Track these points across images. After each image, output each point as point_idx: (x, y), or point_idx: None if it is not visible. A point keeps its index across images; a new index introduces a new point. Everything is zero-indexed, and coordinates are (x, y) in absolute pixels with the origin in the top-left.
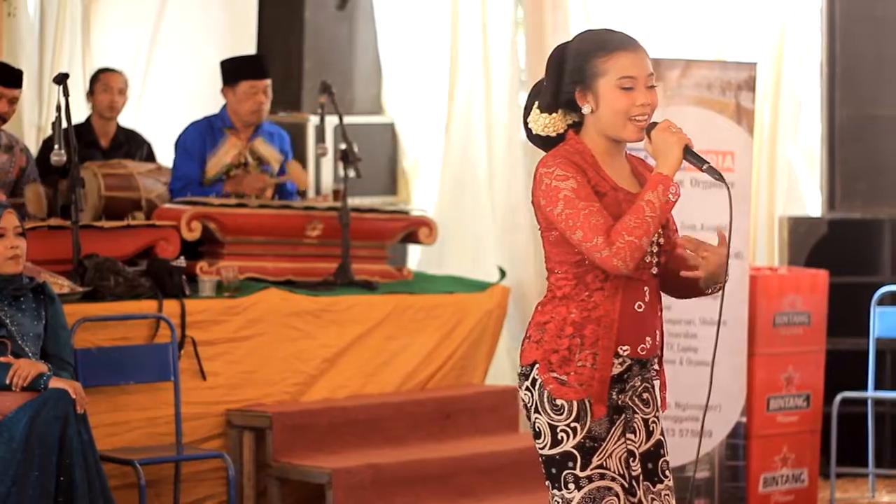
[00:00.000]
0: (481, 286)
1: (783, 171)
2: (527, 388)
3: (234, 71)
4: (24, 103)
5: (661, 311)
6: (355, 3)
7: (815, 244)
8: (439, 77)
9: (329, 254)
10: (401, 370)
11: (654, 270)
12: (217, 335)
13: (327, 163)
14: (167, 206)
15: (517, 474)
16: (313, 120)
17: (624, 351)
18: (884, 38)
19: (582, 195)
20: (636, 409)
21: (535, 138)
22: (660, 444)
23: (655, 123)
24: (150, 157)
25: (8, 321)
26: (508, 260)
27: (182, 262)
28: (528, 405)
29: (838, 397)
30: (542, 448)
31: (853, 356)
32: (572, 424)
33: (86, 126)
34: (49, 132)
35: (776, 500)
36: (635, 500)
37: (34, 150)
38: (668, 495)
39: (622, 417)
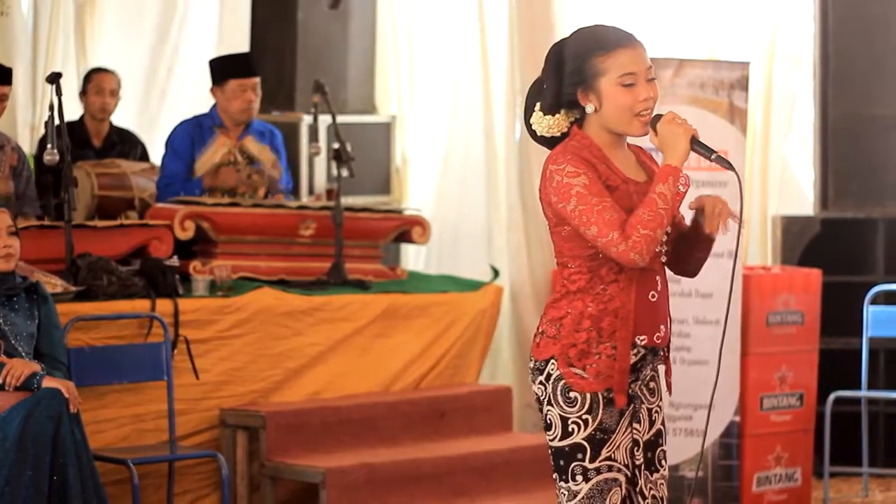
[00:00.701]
0: (475, 285)
1: (776, 171)
2: (540, 383)
3: (223, 70)
4: (18, 103)
5: (669, 298)
6: (348, 2)
7: (809, 243)
8: (439, 77)
9: (322, 253)
10: (394, 369)
11: (664, 259)
12: (210, 334)
13: (320, 162)
14: (160, 205)
15: (511, 474)
16: (306, 119)
17: (641, 341)
18: (876, 38)
19: (594, 191)
20: (643, 398)
21: (539, 139)
22: (659, 434)
23: (660, 116)
24: (144, 156)
25: (1, 321)
26: (505, 259)
27: (175, 261)
28: (542, 399)
29: (831, 396)
30: (552, 440)
31: (846, 355)
32: (584, 416)
33: (79, 125)
34: (42, 131)
35: (770, 499)
36: (636, 489)
37: (28, 149)
38: (662, 484)
39: (631, 408)
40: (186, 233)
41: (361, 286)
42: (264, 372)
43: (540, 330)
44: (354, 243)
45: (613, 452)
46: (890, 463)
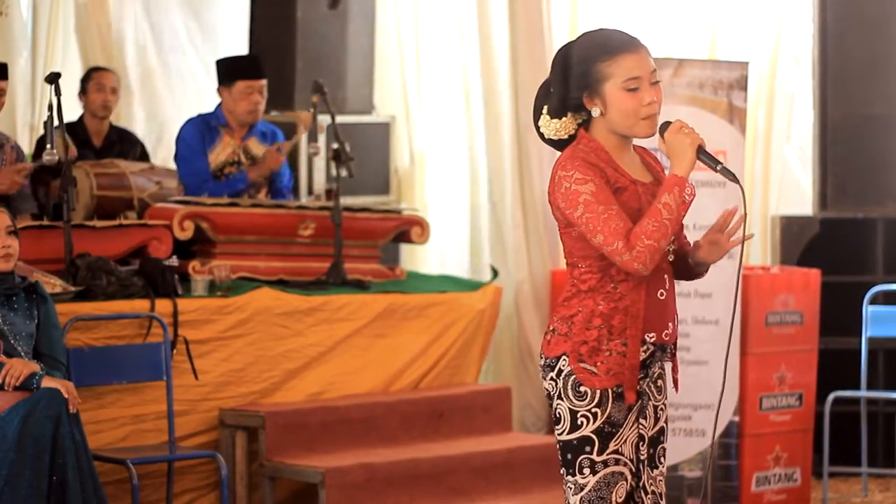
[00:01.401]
0: (474, 286)
1: (775, 171)
2: (551, 379)
3: (231, 71)
4: (18, 103)
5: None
6: (347, 2)
7: (808, 243)
8: (439, 77)
9: (321, 253)
10: (393, 369)
11: (671, 257)
12: (209, 334)
13: (320, 162)
14: (159, 205)
15: (510, 474)
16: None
17: (650, 338)
18: (876, 38)
19: (601, 199)
20: (651, 395)
21: (547, 141)
22: (662, 431)
23: (669, 123)
24: (144, 156)
25: (0, 320)
26: (506, 259)
27: (174, 261)
28: (552, 394)
29: (831, 396)
30: (560, 433)
31: (845, 355)
32: (593, 410)
33: (78, 125)
34: (42, 131)
35: (769, 499)
36: (640, 483)
37: (28, 149)
38: (661, 480)
39: (639, 403)
40: (185, 233)
41: (360, 286)
42: (265, 373)
43: (551, 328)
44: (353, 243)
45: (621, 446)
46: (889, 463)
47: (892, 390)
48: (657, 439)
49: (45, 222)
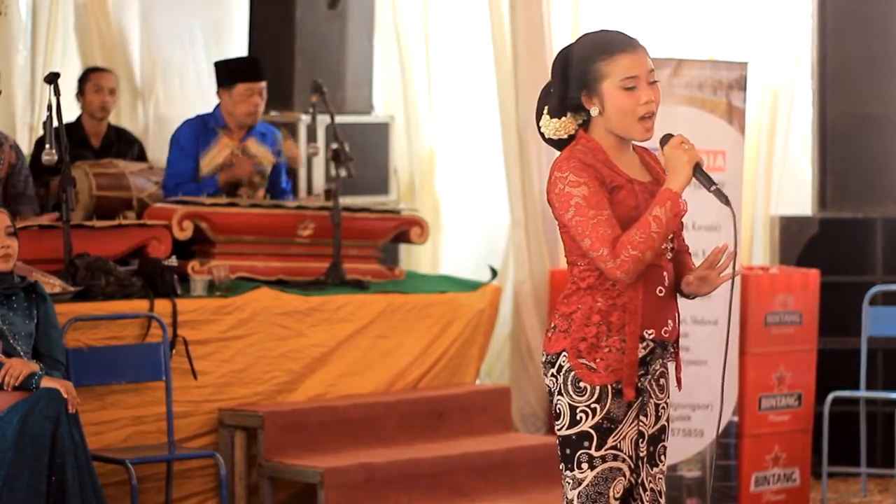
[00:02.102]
0: (473, 286)
1: (775, 171)
2: (552, 375)
3: (231, 73)
4: (17, 103)
5: (677, 294)
6: (346, 2)
7: (807, 243)
8: (440, 76)
9: (320, 253)
10: (393, 369)
11: (669, 255)
12: (208, 334)
13: (319, 162)
14: (159, 205)
15: (509, 474)
16: (305, 119)
17: (649, 335)
18: (874, 38)
19: (592, 203)
20: (652, 393)
21: (548, 141)
22: (663, 430)
23: (671, 136)
24: (141, 156)
25: None
26: (506, 258)
27: (173, 261)
28: (553, 390)
29: (830, 397)
30: (560, 429)
31: (845, 355)
32: (592, 405)
33: (77, 125)
34: (41, 132)
35: (768, 499)
36: (638, 479)
37: (27, 149)
38: (660, 478)
39: (639, 400)
40: (185, 233)
41: (360, 286)
42: (267, 374)
43: (552, 325)
44: (353, 243)
45: (619, 442)
46: (888, 463)
47: (892, 390)
48: (658, 437)
49: (45, 222)
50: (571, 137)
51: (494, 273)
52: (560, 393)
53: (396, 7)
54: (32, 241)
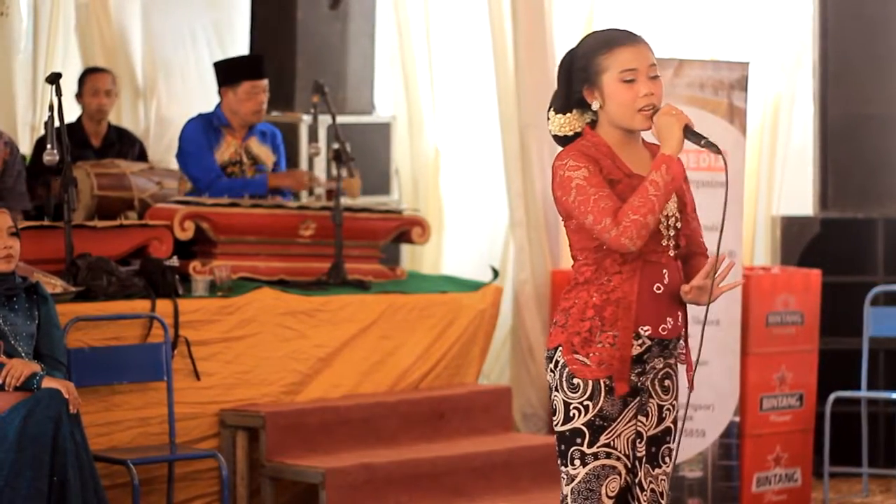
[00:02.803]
0: (474, 286)
1: (776, 171)
2: (550, 370)
3: (236, 71)
4: (18, 103)
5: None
6: (348, 2)
7: (808, 243)
8: (439, 76)
9: (322, 253)
10: (394, 370)
11: (672, 253)
12: (210, 335)
13: (320, 162)
14: (160, 205)
15: (510, 474)
16: (306, 119)
17: (645, 331)
18: (875, 38)
19: (593, 182)
20: (654, 394)
21: (557, 139)
22: (667, 432)
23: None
24: (143, 156)
25: (1, 321)
26: (508, 259)
27: (175, 261)
28: (552, 385)
29: (831, 397)
30: (556, 425)
31: (846, 356)
32: (585, 402)
33: (78, 126)
34: (42, 132)
35: (769, 499)
36: (636, 479)
37: (28, 149)
38: (663, 480)
39: (637, 400)
40: (186, 233)
41: (361, 286)
42: (273, 375)
43: (553, 320)
44: (354, 243)
45: (613, 440)
46: (890, 463)
47: (893, 390)
48: (661, 439)
49: (46, 223)
50: (578, 135)
51: (496, 273)
52: (556, 389)
53: (399, 7)
54: (34, 242)
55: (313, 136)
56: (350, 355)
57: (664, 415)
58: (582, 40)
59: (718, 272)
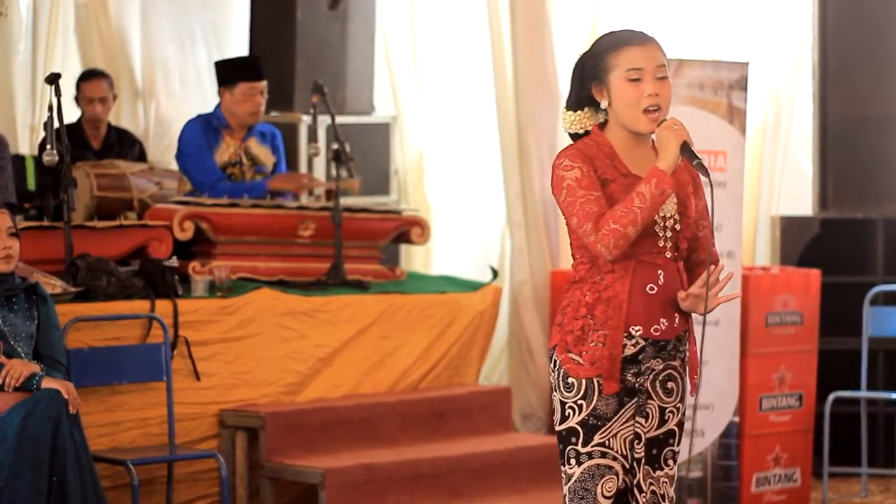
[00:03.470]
0: (474, 286)
1: (776, 171)
2: (550, 370)
3: (233, 72)
4: (18, 104)
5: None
6: (347, 3)
7: (808, 244)
8: (441, 76)
9: (321, 254)
10: (394, 370)
11: (670, 255)
12: (210, 335)
13: (319, 163)
14: (159, 206)
15: (510, 474)
16: (305, 120)
17: (636, 331)
18: (875, 39)
19: (583, 184)
20: (654, 395)
21: (570, 137)
22: (671, 434)
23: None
24: (142, 156)
25: (0, 321)
26: (507, 259)
27: (174, 261)
28: (552, 385)
29: (831, 397)
30: (555, 424)
31: (846, 356)
32: (579, 402)
33: (77, 126)
34: (42, 132)
35: (769, 499)
36: (634, 481)
37: (28, 149)
38: (665, 482)
39: (634, 400)
40: (185, 233)
41: (361, 287)
42: (274, 375)
43: (555, 319)
44: (353, 244)
45: (608, 440)
46: (889, 463)
47: (893, 391)
48: (663, 441)
49: (46, 223)
50: (587, 133)
51: (495, 274)
52: (555, 389)
53: (383, 9)
54: (33, 242)
55: (313, 137)
56: (350, 355)
57: (666, 417)
58: (596, 40)
59: (711, 279)
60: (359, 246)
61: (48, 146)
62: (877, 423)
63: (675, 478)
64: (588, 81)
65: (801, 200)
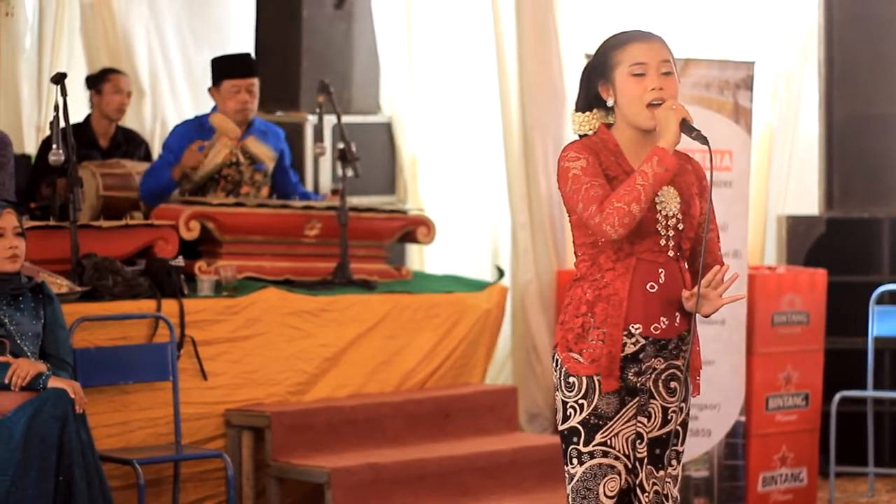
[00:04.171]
0: (479, 285)
1: (782, 170)
2: (553, 369)
3: (219, 70)
4: (23, 103)
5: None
6: (353, 2)
7: (814, 243)
8: (444, 76)
9: (327, 253)
10: (400, 370)
11: (672, 254)
12: (216, 335)
13: (325, 162)
14: (165, 205)
15: (516, 474)
16: (311, 119)
17: (636, 329)
18: (881, 38)
19: (588, 172)
20: (657, 395)
21: (579, 139)
22: (676, 434)
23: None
24: (148, 156)
25: (7, 321)
26: (512, 259)
27: (180, 261)
28: (554, 384)
29: (837, 396)
30: (558, 424)
31: (852, 355)
32: (580, 401)
33: (85, 126)
34: (48, 132)
35: (775, 499)
36: (636, 480)
37: (34, 149)
38: (668, 482)
39: (636, 400)
40: (191, 233)
41: (367, 286)
42: (281, 375)
43: (559, 318)
44: (359, 243)
45: (610, 440)
46: None
47: None
48: (666, 441)
49: (52, 223)
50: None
51: (501, 273)
52: (557, 388)
53: (380, 10)
54: (39, 242)
55: (318, 136)
56: (356, 355)
57: (669, 417)
58: (603, 41)
59: (716, 280)
60: (365, 245)
61: (54, 146)
62: (883, 423)
63: (680, 477)
64: (595, 80)
65: (806, 200)
